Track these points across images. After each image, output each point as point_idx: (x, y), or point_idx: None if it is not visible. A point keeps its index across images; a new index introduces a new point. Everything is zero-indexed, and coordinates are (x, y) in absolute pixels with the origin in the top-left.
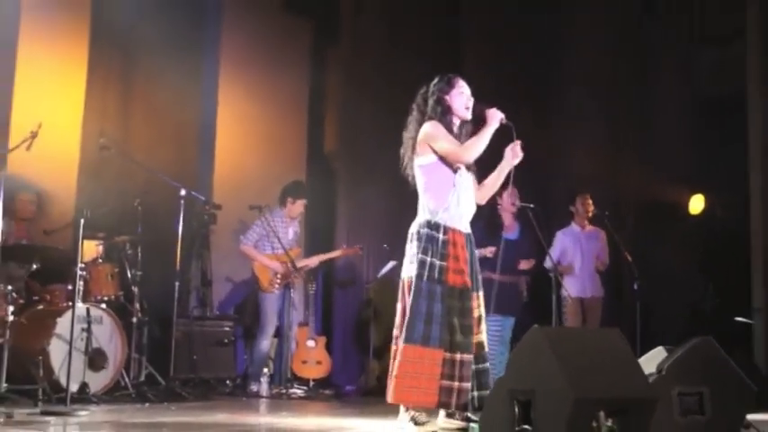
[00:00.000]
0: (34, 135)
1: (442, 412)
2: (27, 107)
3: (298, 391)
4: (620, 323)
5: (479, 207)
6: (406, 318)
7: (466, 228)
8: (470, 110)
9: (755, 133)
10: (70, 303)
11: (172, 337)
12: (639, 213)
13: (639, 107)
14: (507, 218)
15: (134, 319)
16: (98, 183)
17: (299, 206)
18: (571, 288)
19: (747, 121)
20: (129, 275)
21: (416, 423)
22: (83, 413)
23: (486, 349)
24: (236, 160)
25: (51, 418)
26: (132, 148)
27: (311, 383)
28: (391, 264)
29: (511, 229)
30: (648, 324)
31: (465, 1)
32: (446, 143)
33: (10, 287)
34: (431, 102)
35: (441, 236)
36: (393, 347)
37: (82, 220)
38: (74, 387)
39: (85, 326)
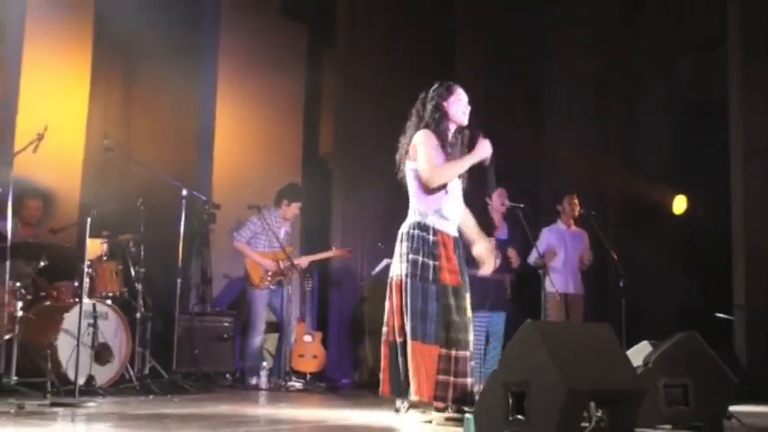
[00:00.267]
0: (40, 137)
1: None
2: (32, 110)
3: (295, 383)
4: (605, 320)
5: (471, 208)
6: (407, 317)
7: (454, 232)
8: (467, 115)
9: (737, 136)
10: (77, 299)
11: (174, 332)
12: (624, 213)
13: (626, 109)
14: (496, 218)
15: (138, 315)
16: (102, 183)
17: (293, 208)
18: (555, 283)
19: (729, 124)
20: (132, 272)
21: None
22: (90, 405)
23: (472, 348)
24: (235, 161)
25: (60, 410)
26: (134, 149)
27: (308, 377)
28: (385, 262)
29: (500, 230)
30: (633, 320)
31: (458, 3)
32: (423, 160)
33: (18, 284)
34: (429, 107)
35: (431, 237)
36: (383, 347)
37: (89, 219)
38: (81, 380)
39: (92, 321)
